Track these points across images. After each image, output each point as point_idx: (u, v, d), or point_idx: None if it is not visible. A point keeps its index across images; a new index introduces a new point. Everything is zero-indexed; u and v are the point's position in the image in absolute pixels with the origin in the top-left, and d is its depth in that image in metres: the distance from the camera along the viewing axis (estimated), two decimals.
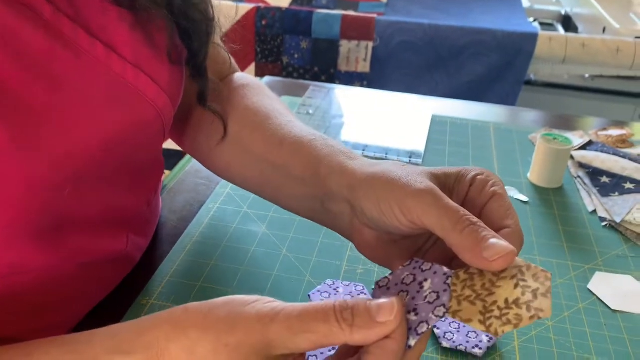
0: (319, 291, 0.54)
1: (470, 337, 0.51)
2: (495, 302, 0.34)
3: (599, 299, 0.57)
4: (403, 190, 0.37)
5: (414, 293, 0.35)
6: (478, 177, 0.39)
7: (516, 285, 0.34)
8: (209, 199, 0.67)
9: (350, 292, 0.54)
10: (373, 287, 0.55)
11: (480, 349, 0.49)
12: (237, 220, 0.64)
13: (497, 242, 0.34)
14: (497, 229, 0.37)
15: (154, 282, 0.54)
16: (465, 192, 0.40)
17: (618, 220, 0.68)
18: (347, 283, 0.55)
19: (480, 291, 0.34)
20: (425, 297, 0.34)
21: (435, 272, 0.35)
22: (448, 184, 0.40)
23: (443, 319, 0.37)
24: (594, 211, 0.72)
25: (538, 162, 0.75)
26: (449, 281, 0.35)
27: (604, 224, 0.69)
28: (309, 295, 0.53)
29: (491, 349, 0.51)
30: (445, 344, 0.50)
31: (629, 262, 0.63)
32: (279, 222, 0.64)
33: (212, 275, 0.56)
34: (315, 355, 0.47)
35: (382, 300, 0.32)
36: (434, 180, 0.39)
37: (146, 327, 0.32)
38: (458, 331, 0.51)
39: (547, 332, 0.53)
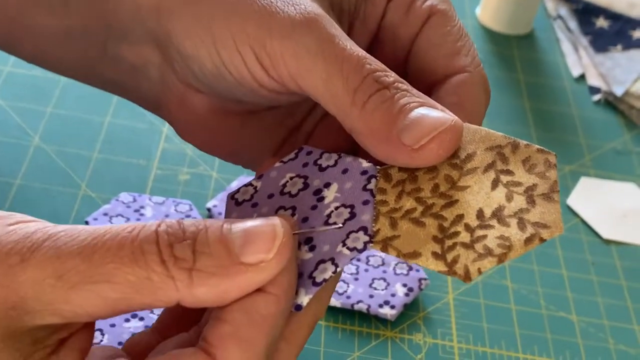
0: (106, 215, 0.54)
1: (376, 289, 0.52)
2: (460, 218, 0.33)
3: (583, 221, 0.61)
4: (262, 19, 0.36)
5: (306, 210, 0.35)
6: None
7: (495, 183, 0.34)
8: None
9: (167, 216, 0.55)
10: (208, 206, 0.55)
11: (393, 307, 0.51)
12: None
13: (426, 112, 0.34)
14: (443, 78, 0.38)
15: None
16: (380, 17, 0.40)
17: (619, 92, 0.72)
18: (161, 199, 0.56)
19: (432, 199, 0.34)
20: (329, 215, 0.34)
21: (345, 170, 0.35)
22: (346, 4, 0.40)
23: (361, 254, 0.38)
24: (582, 77, 0.75)
25: None
26: (372, 185, 0.35)
27: (596, 97, 0.73)
28: (86, 222, 0.53)
29: (410, 308, 0.53)
30: (333, 301, 0.51)
31: (633, 161, 0.67)
32: (24, 84, 0.62)
33: None
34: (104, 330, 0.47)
35: (252, 223, 0.31)
36: None
37: None
38: (356, 278, 0.52)
39: (502, 278, 0.56)
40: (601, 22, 0.78)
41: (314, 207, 0.35)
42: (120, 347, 0.46)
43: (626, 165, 0.67)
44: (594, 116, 0.71)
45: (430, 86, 0.38)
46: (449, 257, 0.33)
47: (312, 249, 0.34)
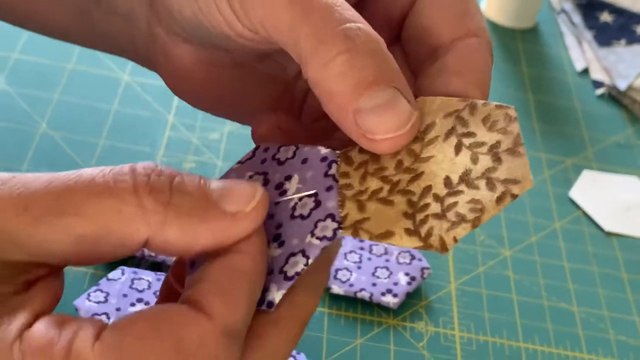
0: None
1: (379, 277, 0.52)
2: (428, 189, 0.33)
3: (586, 214, 0.62)
4: None
5: (270, 207, 0.34)
6: None
7: (458, 147, 0.33)
8: None
9: None
10: None
11: (395, 295, 0.52)
12: None
13: (391, 102, 0.32)
14: (450, 41, 0.36)
15: None
16: None
17: (622, 86, 0.73)
18: None
19: (397, 176, 0.33)
20: (294, 208, 0.34)
21: (305, 160, 0.34)
22: None
23: (332, 242, 0.37)
24: (585, 71, 0.76)
25: None
26: (333, 170, 0.34)
27: (599, 92, 0.74)
28: None
29: (413, 296, 0.53)
30: (336, 288, 0.51)
31: (635, 155, 0.68)
32: (32, 71, 0.62)
33: None
34: (106, 313, 0.47)
35: (232, 180, 0.31)
36: None
37: None
38: (359, 267, 0.53)
39: (503, 268, 0.57)
40: (605, 17, 0.79)
41: (277, 203, 0.34)
42: None
43: (628, 158, 0.68)
44: (597, 110, 0.72)
45: (434, 47, 0.37)
46: (422, 231, 0.32)
47: (281, 244, 0.33)
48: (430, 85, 0.36)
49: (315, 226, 0.32)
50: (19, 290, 0.29)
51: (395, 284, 0.52)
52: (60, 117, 0.59)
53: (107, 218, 0.29)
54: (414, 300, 0.53)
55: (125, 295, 0.48)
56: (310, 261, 0.32)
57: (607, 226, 0.61)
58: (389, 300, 0.52)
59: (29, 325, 0.29)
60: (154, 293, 0.48)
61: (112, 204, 0.29)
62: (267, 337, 0.32)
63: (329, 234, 0.32)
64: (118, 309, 0.47)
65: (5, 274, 0.29)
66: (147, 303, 0.48)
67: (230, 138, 0.61)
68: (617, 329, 0.54)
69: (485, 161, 0.33)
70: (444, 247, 0.31)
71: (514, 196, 0.31)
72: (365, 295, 0.52)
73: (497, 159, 0.32)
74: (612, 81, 0.74)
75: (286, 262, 0.32)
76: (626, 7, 0.79)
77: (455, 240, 0.31)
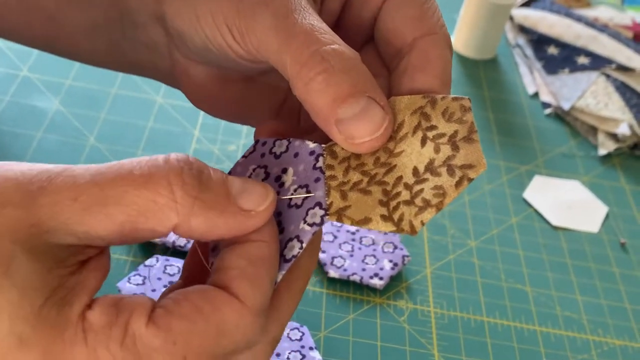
0: None
1: (367, 264, 0.53)
2: (399, 180, 0.32)
3: (536, 211, 0.62)
4: None
5: None
6: None
7: (424, 140, 0.32)
8: None
9: None
10: None
11: (381, 279, 0.52)
12: (11, 91, 0.61)
13: (365, 109, 0.31)
14: (412, 41, 0.35)
15: None
16: None
17: (566, 107, 0.73)
18: None
19: (374, 170, 0.32)
20: (290, 198, 0.32)
21: (296, 154, 0.33)
22: None
23: (320, 227, 0.33)
24: (536, 94, 0.76)
25: (467, 22, 0.77)
26: (320, 163, 0.33)
27: (547, 111, 0.74)
28: None
29: (395, 279, 0.53)
30: (332, 273, 0.51)
31: (577, 163, 0.68)
32: (82, 95, 0.62)
33: None
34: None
35: (250, 180, 0.31)
36: None
37: None
38: (351, 255, 0.53)
39: (469, 256, 0.57)
40: (552, 50, 0.79)
41: (277, 193, 0.33)
42: None
43: (571, 166, 0.68)
44: (546, 126, 0.72)
45: (399, 47, 0.35)
46: (395, 216, 0.31)
47: (281, 231, 0.32)
48: (399, 83, 0.35)
49: (307, 214, 0.31)
50: (74, 270, 0.29)
51: (381, 269, 0.52)
52: (106, 132, 0.60)
53: (144, 207, 0.28)
54: (396, 282, 0.53)
55: (159, 279, 0.48)
56: (304, 245, 0.31)
57: (554, 221, 0.61)
58: (376, 282, 0.52)
59: (89, 305, 0.28)
60: None
61: (148, 195, 0.28)
62: (281, 299, 0.32)
63: (318, 220, 0.31)
64: (153, 290, 0.47)
65: (62, 256, 0.28)
66: None
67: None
68: (563, 305, 0.54)
69: (445, 150, 0.31)
70: (413, 230, 0.30)
71: (470, 179, 0.30)
72: (356, 278, 0.52)
73: (455, 147, 0.31)
74: (558, 103, 0.74)
75: (285, 246, 0.31)
76: (569, 42, 0.79)
77: (422, 223, 0.30)
